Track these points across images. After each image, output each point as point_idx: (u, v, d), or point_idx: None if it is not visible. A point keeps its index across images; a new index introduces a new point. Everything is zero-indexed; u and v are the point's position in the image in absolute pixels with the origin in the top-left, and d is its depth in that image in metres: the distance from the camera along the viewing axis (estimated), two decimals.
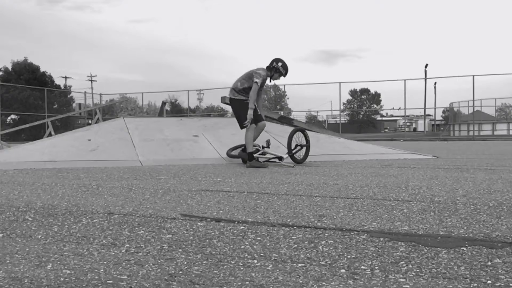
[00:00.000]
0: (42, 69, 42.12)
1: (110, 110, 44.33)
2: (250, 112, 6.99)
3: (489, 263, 1.88)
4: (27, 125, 21.64)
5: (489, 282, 1.66)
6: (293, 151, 7.38)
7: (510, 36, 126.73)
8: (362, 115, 59.20)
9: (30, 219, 2.88)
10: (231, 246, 2.19)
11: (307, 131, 8.08)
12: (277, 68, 7.19)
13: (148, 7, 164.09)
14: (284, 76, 7.32)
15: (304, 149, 7.61)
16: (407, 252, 2.06)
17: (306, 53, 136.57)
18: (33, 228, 2.62)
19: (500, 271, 1.78)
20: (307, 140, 7.70)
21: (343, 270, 1.81)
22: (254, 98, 7.02)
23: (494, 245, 2.15)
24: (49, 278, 1.73)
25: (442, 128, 44.46)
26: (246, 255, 2.02)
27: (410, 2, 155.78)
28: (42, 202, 3.51)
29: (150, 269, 1.83)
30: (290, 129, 9.43)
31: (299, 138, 7.68)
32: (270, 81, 7.43)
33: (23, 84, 38.04)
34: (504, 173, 5.59)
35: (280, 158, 7.29)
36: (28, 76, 39.92)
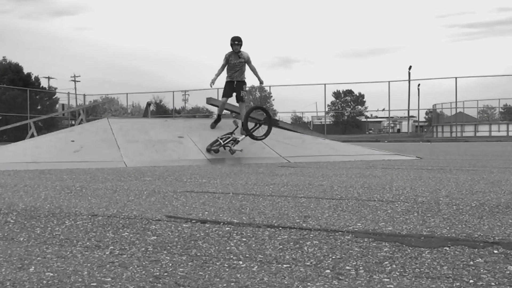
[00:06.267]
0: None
1: (93, 111, 43.89)
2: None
3: (471, 262, 1.91)
4: (9, 126, 21.32)
5: (471, 281, 1.68)
6: (251, 130, 8.11)
7: (490, 40, 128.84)
8: (347, 117, 59.54)
9: (12, 221, 2.84)
10: (217, 247, 2.18)
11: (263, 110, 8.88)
12: (230, 44, 8.72)
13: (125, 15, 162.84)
14: (234, 44, 8.60)
15: (262, 126, 8.28)
16: (391, 252, 2.08)
17: (286, 55, 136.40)
18: (15, 230, 2.59)
19: (482, 270, 1.81)
20: (269, 116, 8.43)
21: (328, 271, 1.82)
22: (215, 74, 8.76)
23: (476, 245, 2.18)
24: (31, 281, 1.71)
25: (425, 130, 44.91)
26: (232, 256, 2.02)
27: (390, 4, 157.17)
28: (24, 204, 3.47)
29: (135, 271, 1.82)
30: (275, 129, 9.49)
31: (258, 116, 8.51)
32: (238, 55, 8.67)
33: (7, 84, 37.46)
34: (486, 174, 5.68)
35: (235, 140, 7.92)
36: (12, 76, 39.31)
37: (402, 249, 2.13)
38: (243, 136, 8.02)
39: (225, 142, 7.94)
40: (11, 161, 7.08)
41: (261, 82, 8.83)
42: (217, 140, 8.06)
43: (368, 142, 24.25)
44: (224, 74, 8.87)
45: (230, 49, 8.78)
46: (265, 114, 8.66)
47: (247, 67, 8.80)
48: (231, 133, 8.16)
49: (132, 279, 1.73)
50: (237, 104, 9.06)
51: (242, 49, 8.69)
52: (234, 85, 8.74)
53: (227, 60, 8.72)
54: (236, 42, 8.63)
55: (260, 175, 5.79)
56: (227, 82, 8.81)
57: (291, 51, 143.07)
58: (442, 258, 1.97)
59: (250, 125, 8.32)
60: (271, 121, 8.42)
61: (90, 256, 2.04)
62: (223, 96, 8.93)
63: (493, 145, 19.87)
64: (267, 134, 8.16)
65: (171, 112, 44.48)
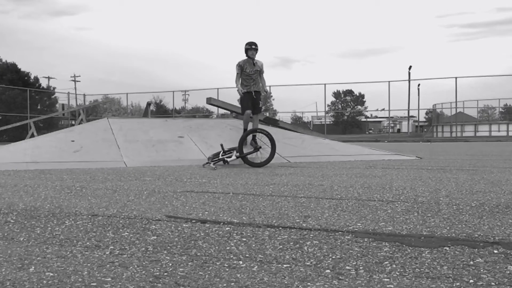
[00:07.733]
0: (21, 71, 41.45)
1: (94, 111, 43.92)
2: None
3: (471, 262, 1.91)
4: (9, 126, 21.32)
5: (471, 281, 1.68)
6: (246, 154, 7.30)
7: (490, 40, 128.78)
8: (347, 116, 59.55)
9: (12, 221, 2.84)
10: (217, 247, 2.18)
11: (270, 133, 7.71)
12: (245, 49, 8.20)
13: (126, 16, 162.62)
14: (251, 48, 8.08)
15: (262, 150, 7.43)
16: (391, 252, 2.08)
17: (286, 55, 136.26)
18: (15, 230, 2.59)
19: (482, 270, 1.81)
20: (272, 143, 7.39)
21: (328, 271, 1.82)
22: (236, 85, 8.20)
23: (476, 245, 2.18)
24: (31, 281, 1.71)
25: (425, 129, 44.90)
26: (232, 256, 2.02)
27: (390, 4, 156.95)
28: (24, 204, 3.47)
29: (135, 271, 1.82)
30: (274, 129, 9.45)
31: (261, 139, 7.56)
32: (253, 62, 8.14)
33: (6, 84, 37.47)
34: (486, 174, 5.68)
35: (224, 161, 7.22)
36: (11, 76, 39.32)
37: (402, 249, 2.13)
38: (234, 158, 7.28)
39: (222, 156, 7.29)
40: (11, 161, 7.08)
41: (264, 93, 8.30)
42: (219, 152, 7.42)
43: (368, 142, 24.24)
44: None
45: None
46: (267, 137, 7.52)
47: None
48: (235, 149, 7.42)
49: (132, 279, 1.73)
50: (238, 105, 8.90)
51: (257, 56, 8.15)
52: (253, 96, 8.12)
53: (242, 69, 8.09)
54: (254, 46, 8.04)
55: (260, 175, 5.79)
56: (244, 93, 8.13)
57: (291, 51, 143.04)
58: (442, 258, 1.97)
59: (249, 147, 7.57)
60: (274, 148, 7.39)
61: (90, 256, 2.04)
62: (244, 109, 8.19)
63: (493, 145, 19.87)
64: (267, 161, 7.26)
65: (171, 112, 44.48)
